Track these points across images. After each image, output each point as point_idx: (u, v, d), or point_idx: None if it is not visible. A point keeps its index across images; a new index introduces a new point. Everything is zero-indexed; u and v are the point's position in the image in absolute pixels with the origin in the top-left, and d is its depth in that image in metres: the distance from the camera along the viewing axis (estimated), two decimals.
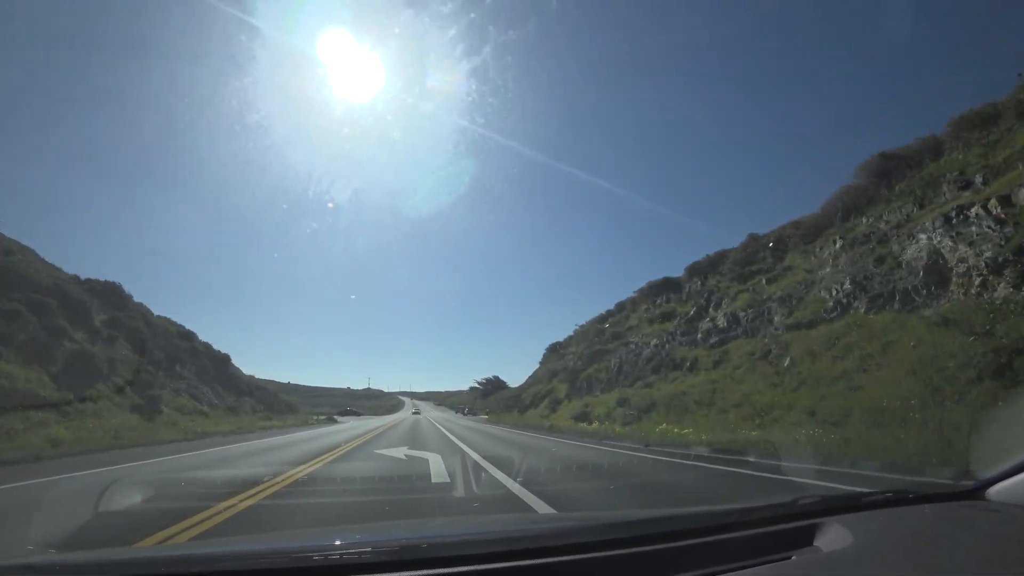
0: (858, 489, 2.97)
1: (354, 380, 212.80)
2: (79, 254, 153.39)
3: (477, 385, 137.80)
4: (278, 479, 7.66)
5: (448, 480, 7.42)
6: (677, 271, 42.36)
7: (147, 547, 3.73)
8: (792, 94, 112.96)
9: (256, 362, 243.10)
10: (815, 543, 1.64)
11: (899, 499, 2.09)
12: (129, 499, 5.62)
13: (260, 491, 6.54)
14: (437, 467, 9.02)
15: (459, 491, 6.41)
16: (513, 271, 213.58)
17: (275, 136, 44.27)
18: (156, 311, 33.69)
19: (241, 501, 5.76)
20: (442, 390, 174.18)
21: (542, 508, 5.27)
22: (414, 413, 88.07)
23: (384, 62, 34.62)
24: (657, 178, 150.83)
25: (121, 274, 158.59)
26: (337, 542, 1.67)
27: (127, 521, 4.89)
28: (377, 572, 1.38)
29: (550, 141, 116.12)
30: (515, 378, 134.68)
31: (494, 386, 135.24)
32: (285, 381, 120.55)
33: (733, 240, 49.31)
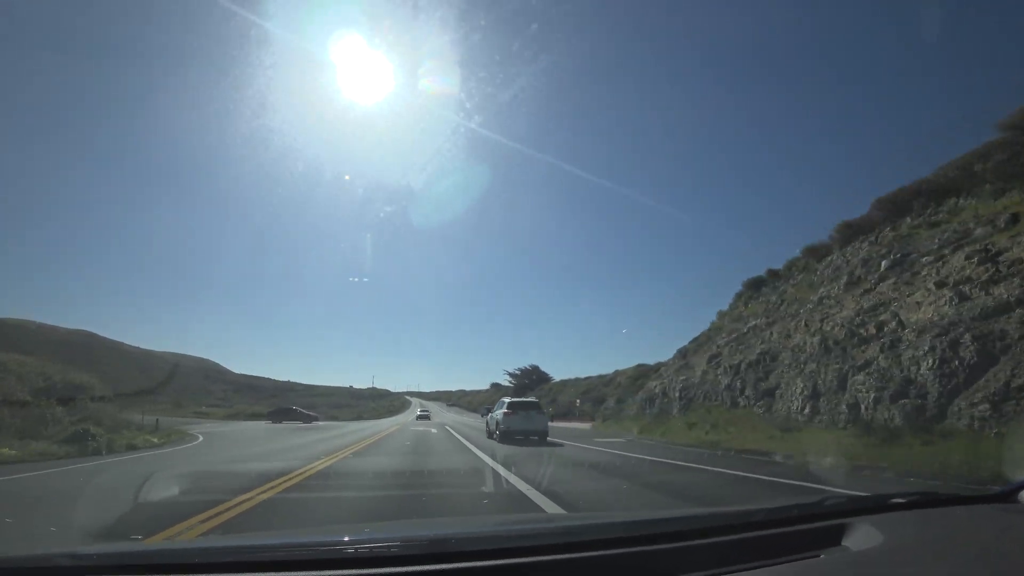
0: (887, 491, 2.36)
1: (358, 379, 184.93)
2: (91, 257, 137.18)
3: (508, 378, 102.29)
4: None
5: None
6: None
7: (182, 540, 3.80)
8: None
9: (254, 360, 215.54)
10: (843, 543, 1.59)
11: (929, 501, 2.00)
12: None
13: None
14: None
15: None
16: (519, 273, 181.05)
17: (284, 137, 43.79)
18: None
19: None
20: (453, 389, 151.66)
21: None
22: (420, 416, 52.81)
23: (395, 64, 32.59)
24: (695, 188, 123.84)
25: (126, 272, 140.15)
26: (366, 536, 1.71)
27: None
28: (407, 565, 1.35)
29: (567, 146, 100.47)
30: (556, 371, 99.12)
31: (533, 379, 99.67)
32: (284, 380, 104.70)
33: None
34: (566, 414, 52.72)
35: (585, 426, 36.03)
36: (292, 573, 1.31)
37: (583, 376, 75.70)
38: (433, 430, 26.29)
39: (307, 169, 64.56)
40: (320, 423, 40.44)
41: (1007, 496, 1.89)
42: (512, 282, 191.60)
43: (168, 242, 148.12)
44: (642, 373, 48.53)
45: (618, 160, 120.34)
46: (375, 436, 21.83)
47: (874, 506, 1.91)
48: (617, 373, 61.96)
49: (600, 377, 67.15)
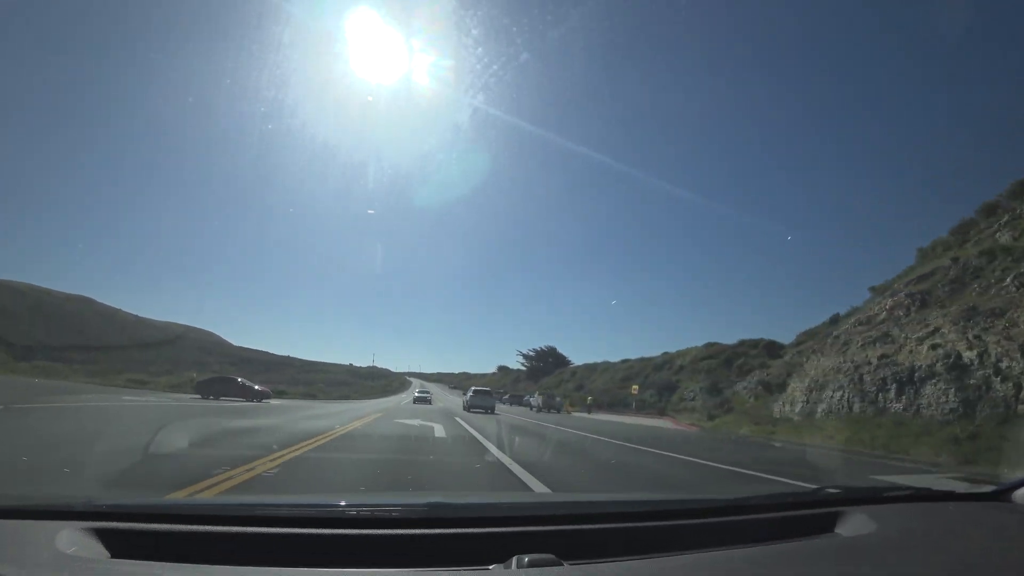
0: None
1: (358, 357, 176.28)
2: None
3: (521, 360, 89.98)
4: None
5: None
6: None
7: (192, 497, 3.88)
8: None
9: (259, 335, 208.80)
10: (836, 530, 1.60)
11: (922, 495, 2.03)
12: None
13: None
14: None
15: None
16: (529, 255, 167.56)
17: (294, 113, 42.30)
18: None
19: None
20: (456, 372, 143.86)
21: None
22: (418, 398, 40.77)
23: (407, 41, 34.05)
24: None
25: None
26: (369, 501, 1.69)
27: None
28: (406, 528, 1.38)
29: (582, 130, 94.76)
30: (575, 355, 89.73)
31: (549, 362, 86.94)
32: (284, 354, 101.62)
33: None
34: (613, 405, 39.66)
35: (663, 424, 23.13)
36: (299, 530, 1.33)
37: (616, 360, 62.75)
38: (436, 429, 13.22)
39: (315, 146, 62.89)
40: (274, 402, 27.68)
41: (1000, 495, 1.91)
42: (522, 264, 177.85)
43: (175, 215, 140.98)
44: (731, 352, 35.27)
45: (633, 140, 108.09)
46: (326, 436, 8.99)
47: (868, 498, 1.92)
48: (672, 355, 48.79)
49: (644, 360, 53.98)
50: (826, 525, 1.60)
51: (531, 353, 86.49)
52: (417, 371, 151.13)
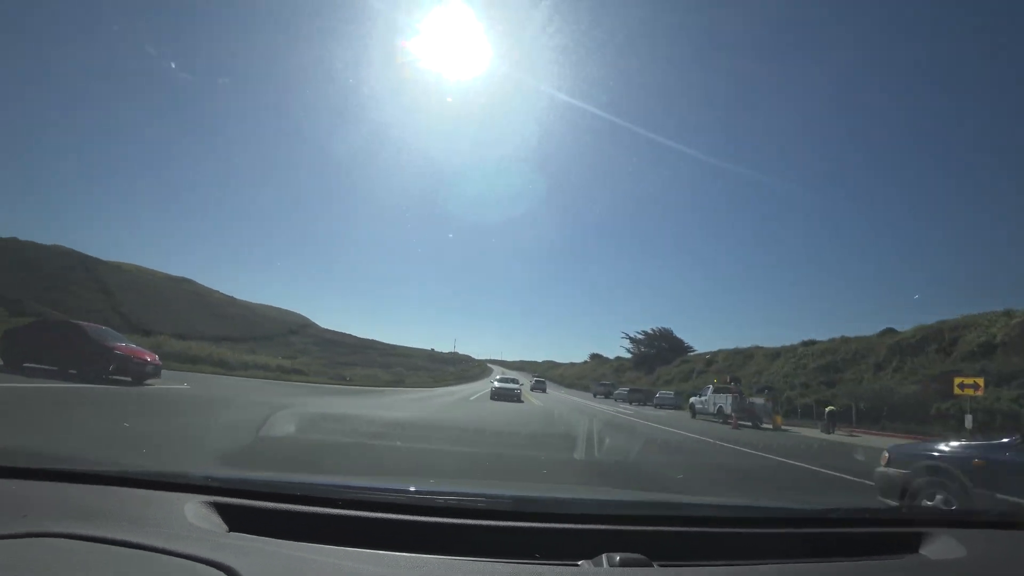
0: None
1: (441, 343, 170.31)
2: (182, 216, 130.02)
3: (628, 344, 71.87)
4: None
5: None
6: None
7: (305, 476, 3.55)
8: None
9: (336, 316, 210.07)
10: (920, 551, 1.53)
11: (1016, 522, 1.79)
12: None
13: None
14: None
15: None
16: (624, 237, 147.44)
17: (380, 104, 49.79)
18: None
19: None
20: (540, 360, 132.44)
21: None
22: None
23: (489, 33, 32.47)
24: None
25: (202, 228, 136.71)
26: (458, 490, 1.71)
27: None
28: (492, 519, 1.39)
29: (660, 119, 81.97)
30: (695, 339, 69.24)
31: (663, 347, 68.09)
32: (368, 337, 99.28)
33: None
34: (872, 419, 21.25)
35: None
36: (394, 515, 1.35)
37: (782, 343, 43.30)
38: None
39: (401, 134, 56.92)
40: (177, 387, 12.57)
41: None
42: (622, 244, 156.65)
43: (272, 202, 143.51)
44: None
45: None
46: None
47: (956, 520, 1.81)
48: (926, 329, 29.05)
49: (849, 340, 34.39)
50: (910, 545, 1.53)
51: (640, 336, 68.11)
52: (499, 358, 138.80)
